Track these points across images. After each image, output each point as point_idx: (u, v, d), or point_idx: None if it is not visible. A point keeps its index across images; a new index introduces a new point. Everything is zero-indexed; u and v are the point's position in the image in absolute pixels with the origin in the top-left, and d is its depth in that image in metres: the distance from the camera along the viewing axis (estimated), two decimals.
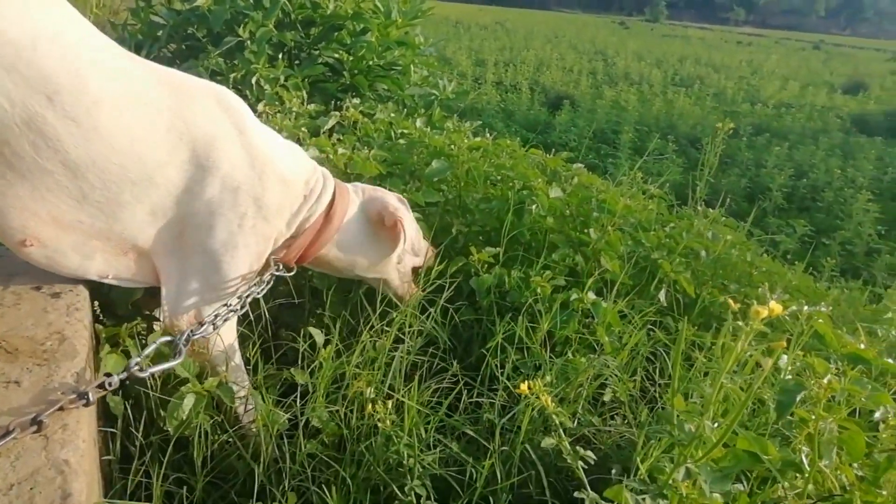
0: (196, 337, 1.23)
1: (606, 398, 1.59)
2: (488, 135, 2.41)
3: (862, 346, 1.31)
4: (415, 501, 1.11)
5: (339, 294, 1.85)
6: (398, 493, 1.13)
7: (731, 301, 0.93)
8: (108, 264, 1.31)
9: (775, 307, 0.78)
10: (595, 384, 1.57)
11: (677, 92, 12.60)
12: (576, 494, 1.01)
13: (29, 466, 0.89)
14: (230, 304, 1.35)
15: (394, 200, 1.71)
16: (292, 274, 1.54)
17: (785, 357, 1.27)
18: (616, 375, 1.59)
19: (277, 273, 1.48)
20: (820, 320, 1.32)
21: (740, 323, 0.81)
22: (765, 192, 6.75)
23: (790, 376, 1.19)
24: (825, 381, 0.99)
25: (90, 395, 1.00)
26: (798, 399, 0.97)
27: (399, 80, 2.95)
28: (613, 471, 1.34)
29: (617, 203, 2.06)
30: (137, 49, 2.96)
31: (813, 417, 1.01)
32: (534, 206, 2.02)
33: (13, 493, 0.85)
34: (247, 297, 1.38)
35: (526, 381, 1.09)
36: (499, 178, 2.32)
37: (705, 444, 0.92)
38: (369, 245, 1.67)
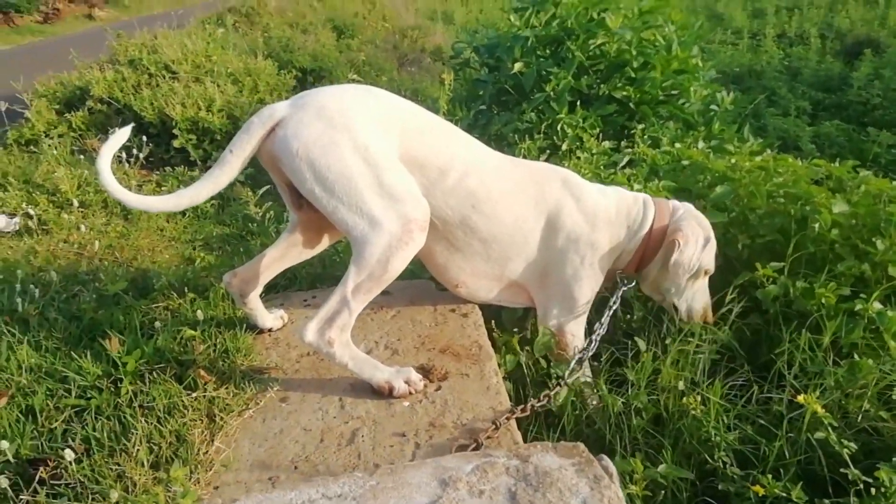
0: (585, 356, 1.90)
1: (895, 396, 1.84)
2: (769, 151, 2.67)
3: None
4: (721, 466, 1.60)
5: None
6: (709, 459, 1.64)
7: None
8: (501, 294, 2.07)
9: None
10: (882, 383, 1.83)
11: None
12: (842, 470, 1.40)
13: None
14: (596, 330, 1.95)
15: (689, 228, 2.00)
16: (633, 285, 2.09)
17: None
18: None
19: (625, 287, 2.05)
20: None
21: None
22: None
23: None
24: None
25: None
26: None
27: (679, 103, 3.31)
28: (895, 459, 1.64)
29: None
30: (463, 105, 3.81)
31: None
32: (816, 225, 2.26)
33: None
34: (608, 314, 1.97)
35: (802, 395, 1.51)
36: (781, 194, 2.55)
37: None
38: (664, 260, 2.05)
